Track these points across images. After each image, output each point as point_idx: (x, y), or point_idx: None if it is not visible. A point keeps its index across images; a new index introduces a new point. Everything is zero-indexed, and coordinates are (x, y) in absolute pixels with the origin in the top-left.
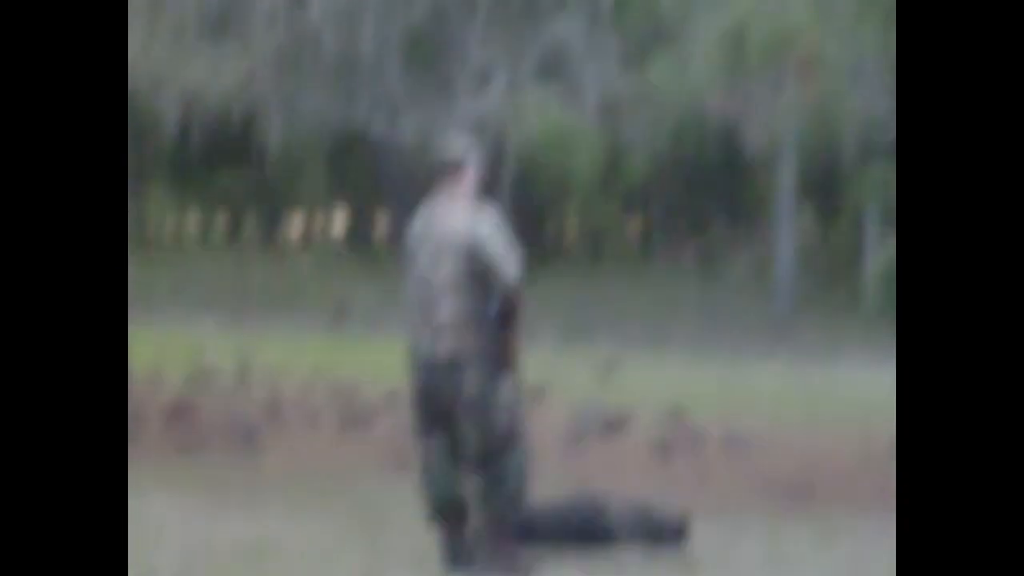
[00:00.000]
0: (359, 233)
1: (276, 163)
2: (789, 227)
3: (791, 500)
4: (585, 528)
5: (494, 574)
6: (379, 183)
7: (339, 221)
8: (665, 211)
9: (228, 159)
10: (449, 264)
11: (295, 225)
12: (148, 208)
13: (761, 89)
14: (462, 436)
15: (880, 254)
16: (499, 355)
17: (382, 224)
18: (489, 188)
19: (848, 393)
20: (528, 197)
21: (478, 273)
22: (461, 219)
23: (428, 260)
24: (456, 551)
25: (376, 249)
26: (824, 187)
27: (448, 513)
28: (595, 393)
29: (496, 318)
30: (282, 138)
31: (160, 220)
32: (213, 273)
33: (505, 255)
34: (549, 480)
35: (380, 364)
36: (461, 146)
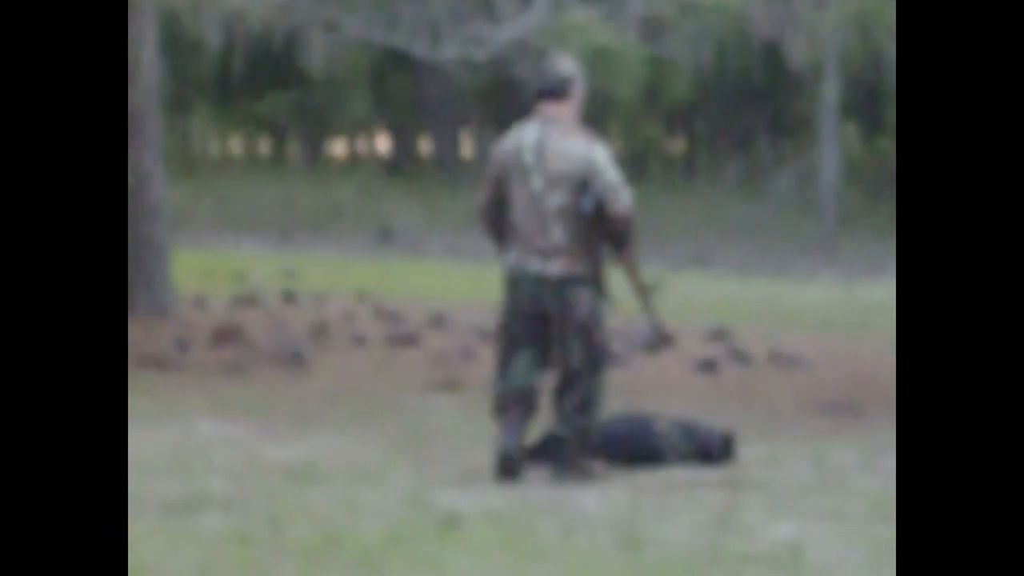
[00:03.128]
0: (402, 155)
1: (319, 86)
2: (833, 143)
3: (837, 417)
4: (632, 446)
5: (566, 483)
6: (422, 105)
7: (382, 143)
8: (709, 129)
9: (271, 82)
10: (565, 193)
11: (339, 147)
12: (192, 131)
13: (804, 4)
14: (567, 352)
15: None
16: (602, 279)
17: (425, 145)
18: (533, 109)
19: (894, 308)
20: None
21: (599, 203)
22: (577, 150)
23: (541, 187)
24: (512, 447)
25: (419, 170)
26: (868, 102)
27: (518, 401)
28: (640, 312)
29: (610, 245)
30: (325, 60)
31: (204, 143)
32: (258, 195)
33: (618, 186)
34: None
35: (425, 285)
36: (568, 70)
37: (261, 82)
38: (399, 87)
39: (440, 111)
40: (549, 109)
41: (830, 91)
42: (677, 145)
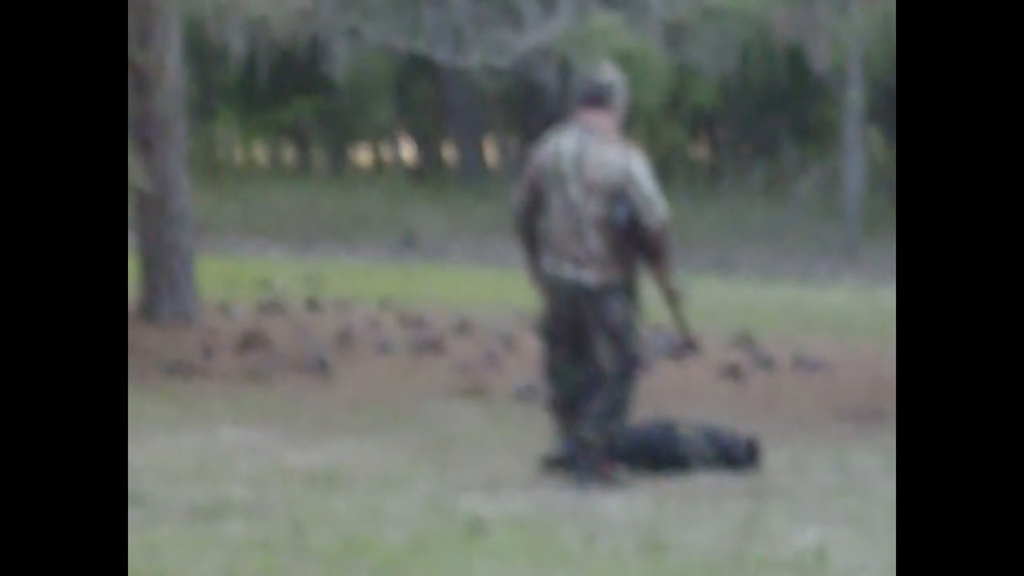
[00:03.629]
0: (426, 161)
1: (343, 92)
2: (857, 148)
3: (862, 422)
4: (657, 452)
5: (589, 487)
6: (445, 111)
7: (406, 150)
8: (732, 134)
9: (295, 89)
10: (601, 203)
11: (363, 154)
12: (217, 138)
13: (827, 9)
14: (598, 357)
15: None
16: (634, 287)
17: (449, 152)
18: (557, 115)
19: None
20: None
21: (632, 214)
22: (615, 161)
23: (579, 196)
24: (567, 452)
25: (443, 177)
26: (892, 108)
27: (568, 403)
28: (664, 317)
29: (644, 256)
30: (348, 67)
31: (228, 150)
32: (282, 202)
33: (653, 199)
34: None
35: (449, 291)
36: (610, 79)
37: (285, 89)
38: (423, 94)
39: (464, 117)
40: (589, 117)
41: (854, 96)
42: (701, 150)
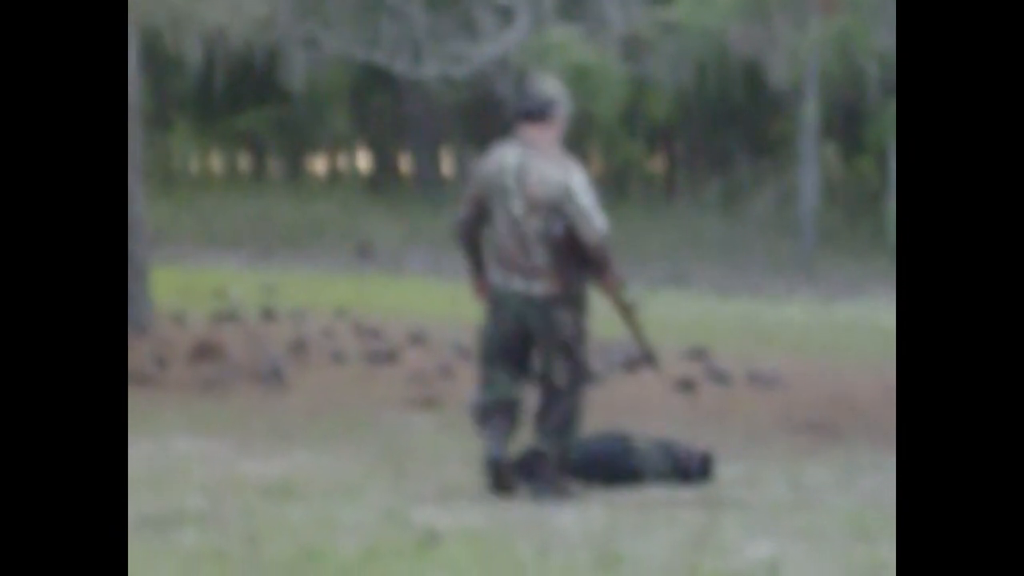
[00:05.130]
0: (382, 171)
1: (299, 102)
2: (813, 163)
3: (815, 437)
4: (611, 465)
5: (545, 500)
6: (402, 122)
7: (363, 160)
8: (689, 148)
9: (251, 98)
10: (544, 218)
11: (319, 164)
12: (172, 148)
13: (785, 25)
14: (550, 370)
15: None
16: (583, 298)
17: (405, 162)
18: (513, 130)
19: (872, 329)
20: None
21: (568, 228)
22: (555, 176)
23: (522, 211)
24: (499, 455)
25: (399, 187)
26: (848, 123)
27: (500, 412)
28: (619, 331)
29: (589, 269)
30: (305, 77)
31: (184, 160)
32: (238, 212)
33: (590, 213)
34: None
35: (404, 302)
36: (551, 92)
37: (241, 98)
38: (379, 104)
39: (420, 128)
40: (530, 132)
41: (809, 111)
42: (657, 165)
